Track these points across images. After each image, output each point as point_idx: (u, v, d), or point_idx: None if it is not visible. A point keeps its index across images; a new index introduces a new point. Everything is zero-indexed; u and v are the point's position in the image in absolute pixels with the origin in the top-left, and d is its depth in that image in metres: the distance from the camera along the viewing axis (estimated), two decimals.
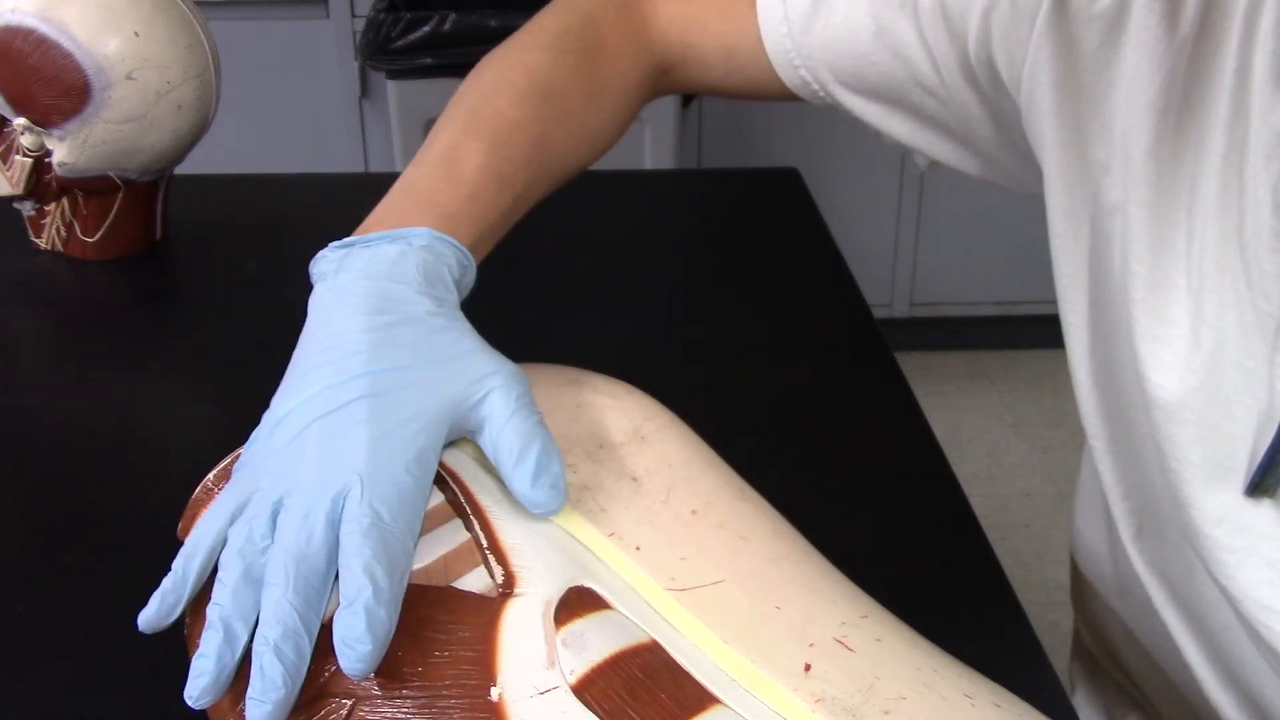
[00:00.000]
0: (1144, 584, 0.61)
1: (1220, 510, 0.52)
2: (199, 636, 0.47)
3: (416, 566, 0.46)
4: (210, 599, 0.45)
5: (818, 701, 0.42)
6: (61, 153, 0.90)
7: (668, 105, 1.94)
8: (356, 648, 0.42)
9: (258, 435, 0.49)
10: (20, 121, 0.90)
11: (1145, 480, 0.58)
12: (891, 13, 0.63)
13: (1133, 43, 0.52)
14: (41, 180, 0.93)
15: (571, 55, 0.68)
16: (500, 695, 0.42)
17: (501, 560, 0.46)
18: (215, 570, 0.46)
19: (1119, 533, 0.62)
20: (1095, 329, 0.58)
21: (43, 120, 0.89)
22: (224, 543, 0.46)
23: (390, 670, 0.43)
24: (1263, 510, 0.51)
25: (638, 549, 0.48)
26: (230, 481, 0.49)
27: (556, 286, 0.95)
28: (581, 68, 0.69)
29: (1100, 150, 0.54)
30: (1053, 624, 1.77)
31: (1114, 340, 0.56)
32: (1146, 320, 0.53)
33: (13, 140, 0.92)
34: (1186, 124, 0.52)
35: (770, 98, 0.73)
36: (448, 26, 1.87)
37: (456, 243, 0.56)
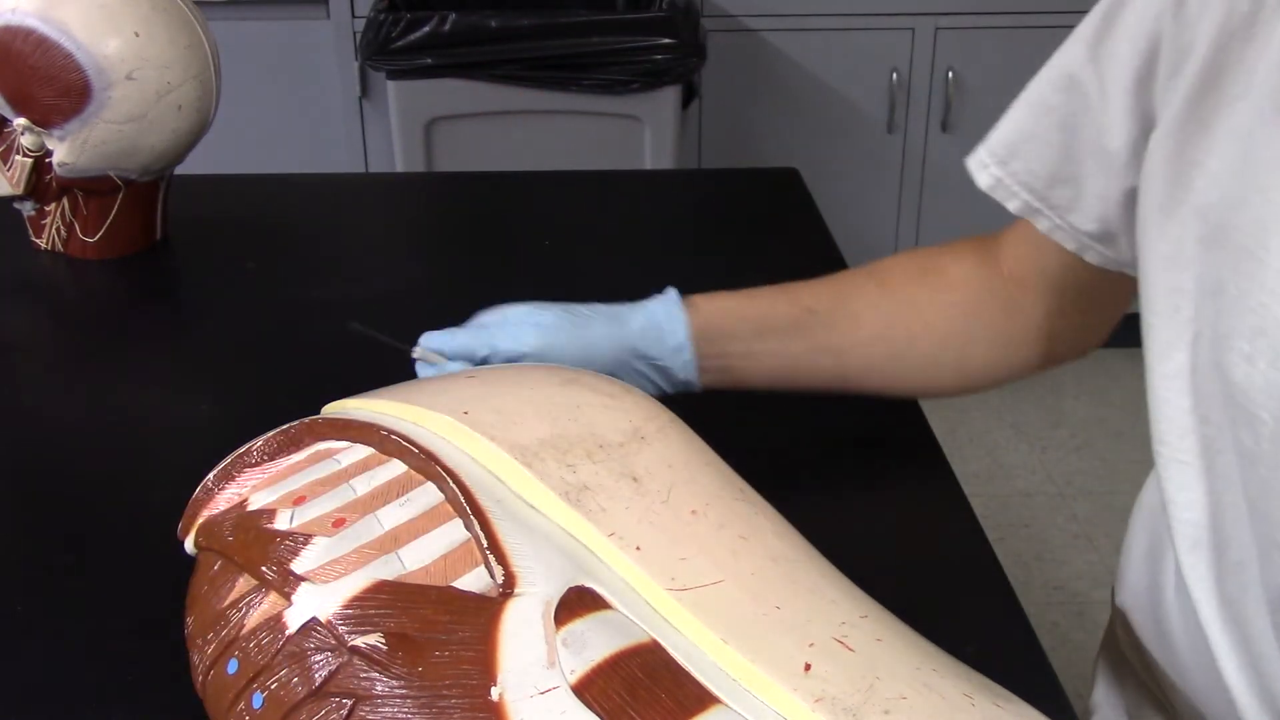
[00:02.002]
0: (1193, 599, 0.60)
1: None
2: (199, 636, 0.47)
3: (416, 566, 0.46)
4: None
5: (818, 701, 0.42)
6: (61, 153, 0.90)
7: (668, 105, 1.94)
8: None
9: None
10: (20, 121, 0.90)
11: (1222, 489, 0.57)
12: (1049, 90, 0.66)
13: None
14: (41, 180, 0.93)
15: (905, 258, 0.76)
16: (500, 695, 0.42)
17: (501, 560, 0.45)
18: None
19: (1176, 544, 0.60)
20: (1199, 325, 0.56)
21: (43, 120, 0.89)
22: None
23: (390, 670, 0.43)
24: None
25: (638, 549, 0.47)
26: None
27: (557, 285, 0.95)
28: (914, 256, 0.75)
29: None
30: (1053, 624, 1.77)
31: (1227, 332, 0.55)
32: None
33: (13, 140, 0.92)
34: None
35: (1090, 279, 0.70)
36: (448, 26, 1.87)
37: (684, 315, 0.72)
